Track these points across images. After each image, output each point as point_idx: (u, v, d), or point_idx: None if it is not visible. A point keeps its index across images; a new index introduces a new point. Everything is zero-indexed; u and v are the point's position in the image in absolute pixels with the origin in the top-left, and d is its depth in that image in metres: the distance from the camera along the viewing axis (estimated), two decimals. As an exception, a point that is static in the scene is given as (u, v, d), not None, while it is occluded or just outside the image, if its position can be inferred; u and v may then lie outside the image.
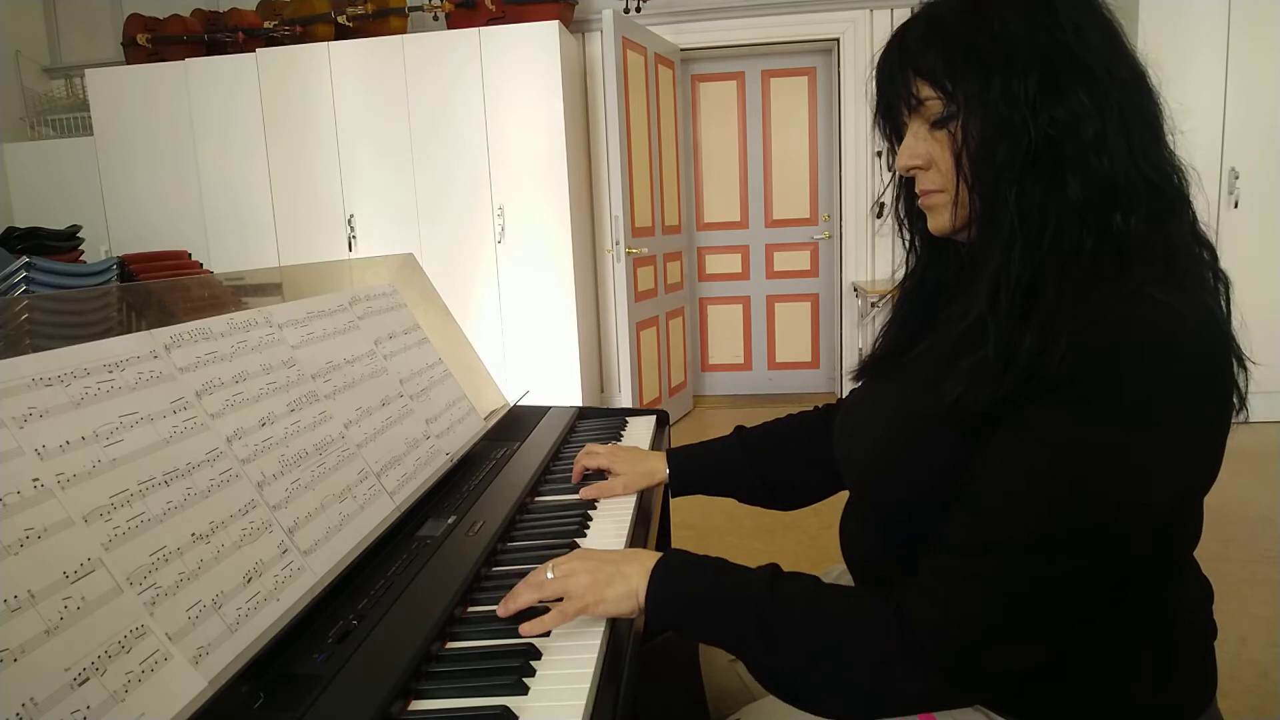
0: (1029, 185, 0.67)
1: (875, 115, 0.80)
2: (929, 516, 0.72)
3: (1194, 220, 0.72)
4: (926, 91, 0.72)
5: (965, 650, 0.64)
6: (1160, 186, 0.69)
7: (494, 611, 0.78)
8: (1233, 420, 0.69)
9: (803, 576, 0.74)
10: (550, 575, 0.76)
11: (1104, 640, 0.71)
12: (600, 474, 1.14)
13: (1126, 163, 0.67)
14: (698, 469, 1.13)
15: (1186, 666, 0.76)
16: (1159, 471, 0.63)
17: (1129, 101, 0.68)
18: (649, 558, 0.77)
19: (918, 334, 0.84)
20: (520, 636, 0.73)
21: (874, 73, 0.78)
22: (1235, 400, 0.68)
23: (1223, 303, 0.71)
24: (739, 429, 1.15)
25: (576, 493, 1.10)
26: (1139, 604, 0.71)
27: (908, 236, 0.88)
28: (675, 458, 1.13)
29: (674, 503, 1.40)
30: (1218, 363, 0.65)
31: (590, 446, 1.16)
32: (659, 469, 1.12)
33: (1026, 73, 0.67)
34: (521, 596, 0.75)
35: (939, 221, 0.78)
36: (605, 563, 0.76)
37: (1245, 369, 0.68)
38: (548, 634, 0.74)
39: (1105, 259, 0.66)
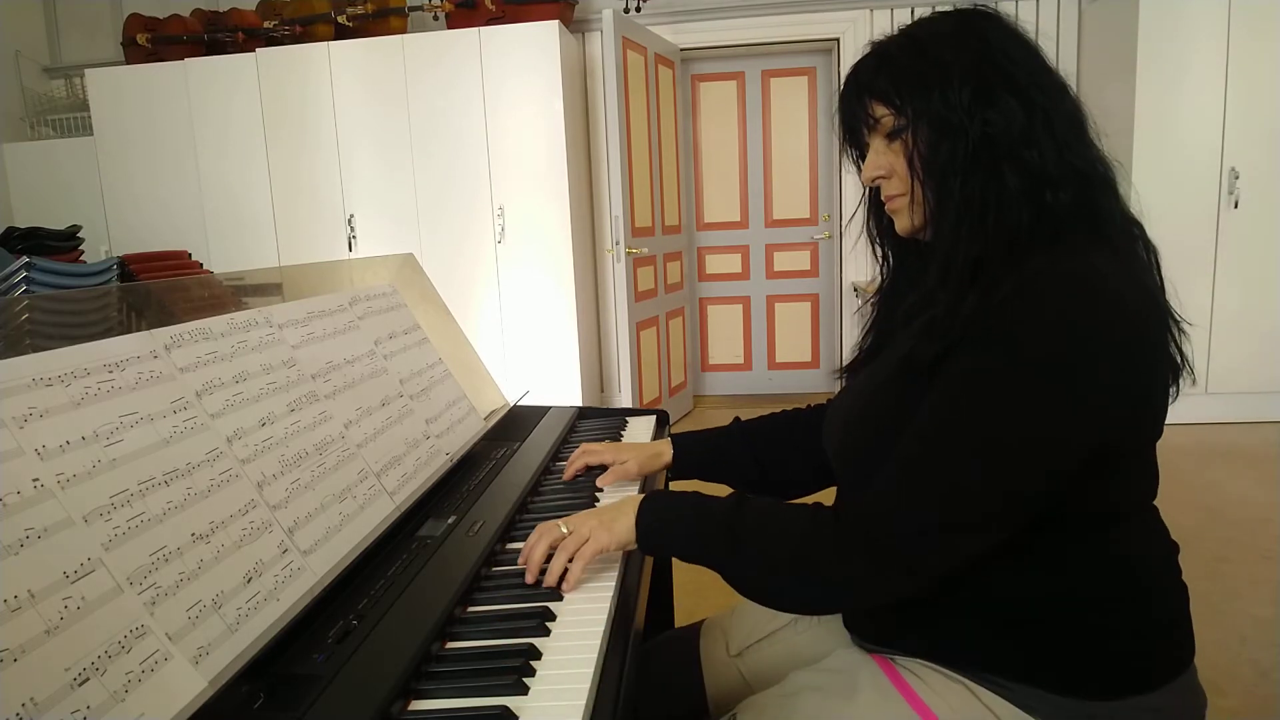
0: (971, 177, 0.78)
1: (842, 142, 0.92)
2: None
3: (1121, 201, 0.82)
4: (880, 110, 0.84)
5: (889, 548, 0.73)
6: (1086, 173, 0.78)
7: (494, 612, 0.78)
8: (1180, 384, 0.79)
9: (764, 498, 0.84)
10: (564, 530, 0.86)
11: (1058, 586, 0.76)
12: (599, 472, 1.14)
13: (1054, 154, 0.77)
14: (698, 455, 1.17)
15: (1150, 621, 0.78)
16: (1071, 406, 0.70)
17: (1052, 105, 0.79)
18: (639, 497, 0.89)
19: (893, 334, 0.91)
20: (520, 637, 0.73)
21: (837, 106, 0.89)
22: (1179, 361, 0.78)
23: (1154, 272, 0.81)
24: (737, 420, 1.18)
25: (577, 492, 1.10)
26: (1085, 548, 0.76)
27: (880, 250, 0.98)
28: (678, 443, 1.18)
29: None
30: (1137, 312, 0.72)
31: (586, 445, 1.17)
32: (665, 450, 1.17)
33: (961, 85, 0.78)
34: (537, 550, 0.85)
35: (903, 222, 0.87)
36: (606, 509, 0.89)
37: (1182, 330, 0.79)
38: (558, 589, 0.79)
39: (1041, 233, 0.75)
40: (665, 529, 0.85)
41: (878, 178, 0.87)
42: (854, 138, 0.90)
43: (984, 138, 0.77)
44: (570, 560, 0.83)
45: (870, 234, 0.97)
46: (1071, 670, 0.76)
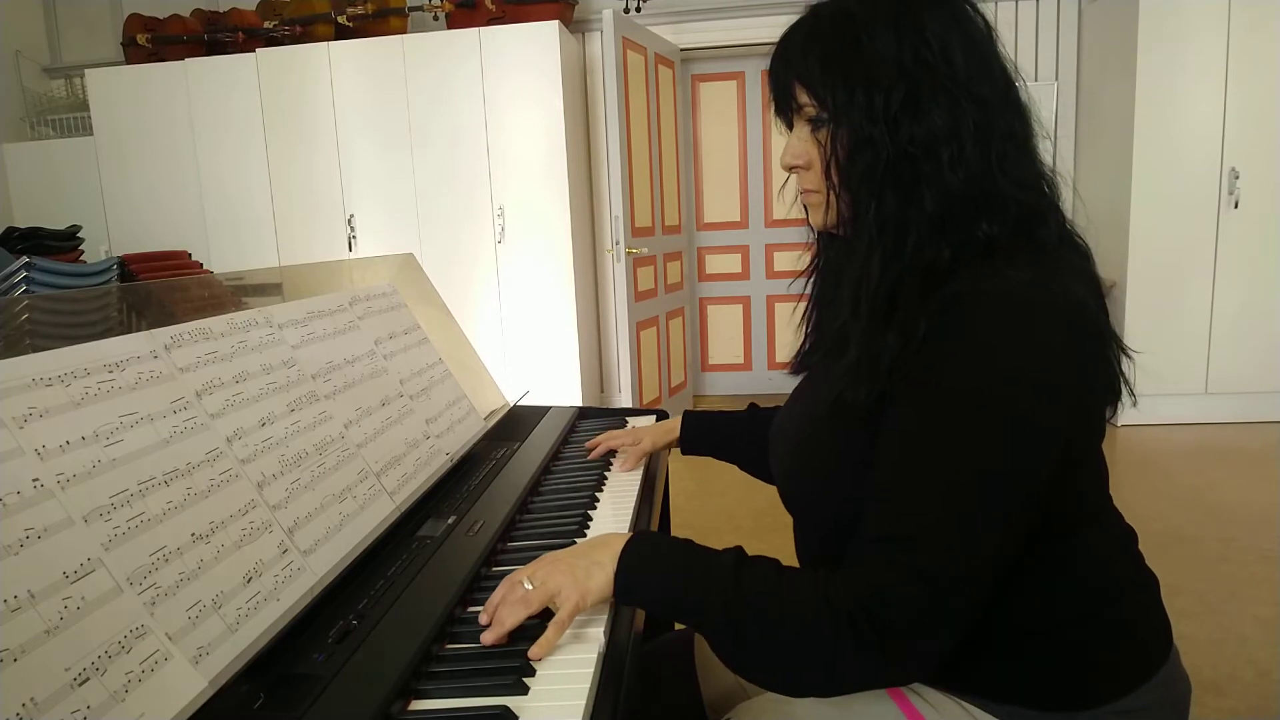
0: (888, 197, 0.71)
1: (772, 110, 0.82)
2: (856, 516, 0.73)
3: (1062, 223, 0.75)
4: (804, 97, 0.75)
5: (902, 635, 0.67)
6: (1022, 199, 0.71)
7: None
8: (1118, 406, 0.74)
9: (765, 565, 0.74)
10: (529, 586, 0.75)
11: (1038, 606, 0.73)
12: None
13: (984, 178, 0.70)
14: (708, 431, 1.23)
15: (1127, 620, 0.76)
16: (1027, 432, 0.65)
17: (989, 118, 0.70)
18: (618, 542, 0.77)
19: (832, 319, 0.87)
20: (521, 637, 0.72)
21: (767, 68, 0.80)
22: (1120, 383, 0.72)
23: (1093, 297, 0.73)
24: (752, 405, 1.22)
25: (577, 492, 1.10)
26: (1057, 563, 0.73)
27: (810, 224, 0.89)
28: (689, 418, 1.24)
29: (674, 504, 1.41)
30: (1072, 322, 0.67)
31: (612, 432, 1.30)
32: (676, 425, 1.24)
33: (890, 89, 0.70)
34: (509, 618, 0.73)
35: (815, 218, 0.82)
36: (578, 557, 0.77)
37: (1127, 355, 0.73)
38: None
39: (966, 259, 0.69)
40: (649, 586, 0.75)
41: (794, 167, 0.79)
42: (781, 109, 0.80)
43: (905, 155, 0.69)
44: (531, 615, 0.74)
45: (804, 207, 0.88)
46: (1058, 686, 0.73)
